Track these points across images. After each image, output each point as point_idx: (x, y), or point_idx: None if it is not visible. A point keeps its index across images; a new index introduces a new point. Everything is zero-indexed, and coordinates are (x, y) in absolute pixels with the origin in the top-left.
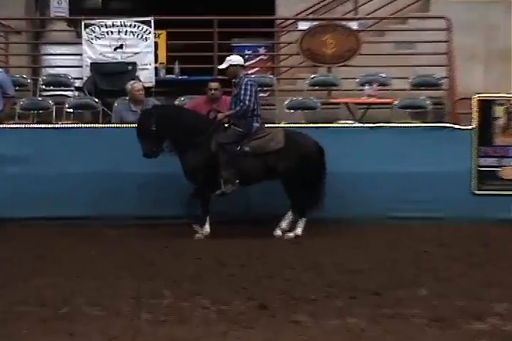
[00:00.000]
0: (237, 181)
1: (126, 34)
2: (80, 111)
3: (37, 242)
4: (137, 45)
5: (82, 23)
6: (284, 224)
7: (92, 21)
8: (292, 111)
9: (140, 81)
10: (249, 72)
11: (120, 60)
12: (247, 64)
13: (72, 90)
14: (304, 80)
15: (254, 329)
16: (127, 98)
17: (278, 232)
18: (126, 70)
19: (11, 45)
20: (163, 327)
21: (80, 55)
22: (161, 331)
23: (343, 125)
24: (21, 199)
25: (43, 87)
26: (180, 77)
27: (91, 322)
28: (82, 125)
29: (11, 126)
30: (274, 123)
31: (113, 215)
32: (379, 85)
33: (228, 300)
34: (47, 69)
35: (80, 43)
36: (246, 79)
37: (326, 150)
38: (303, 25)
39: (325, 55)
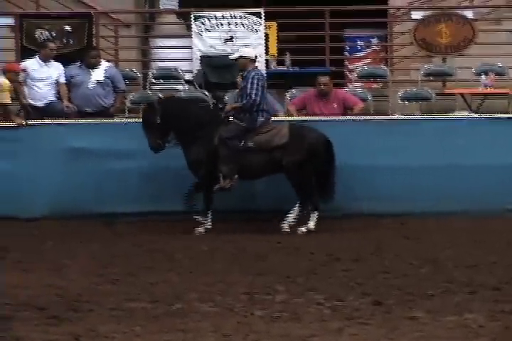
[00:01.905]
0: (236, 176)
1: (236, 26)
2: None
3: (148, 238)
4: (247, 37)
5: (192, 16)
6: (290, 218)
7: (202, 13)
8: (406, 102)
9: None
10: (361, 63)
11: (230, 52)
12: (359, 55)
13: (182, 83)
14: (418, 71)
15: (369, 326)
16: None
17: (285, 225)
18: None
19: (121, 39)
20: (276, 323)
21: (190, 47)
22: (275, 328)
23: (459, 116)
24: (131, 195)
25: (153, 80)
26: (291, 69)
27: (203, 318)
28: None
29: (122, 120)
30: (387, 114)
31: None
32: (495, 75)
33: (343, 296)
34: (156, 62)
35: (190, 36)
36: (253, 73)
37: (442, 143)
38: (416, 15)
39: (439, 44)
